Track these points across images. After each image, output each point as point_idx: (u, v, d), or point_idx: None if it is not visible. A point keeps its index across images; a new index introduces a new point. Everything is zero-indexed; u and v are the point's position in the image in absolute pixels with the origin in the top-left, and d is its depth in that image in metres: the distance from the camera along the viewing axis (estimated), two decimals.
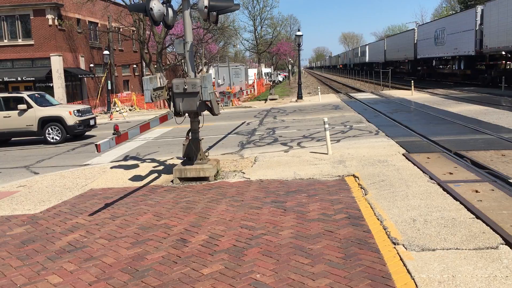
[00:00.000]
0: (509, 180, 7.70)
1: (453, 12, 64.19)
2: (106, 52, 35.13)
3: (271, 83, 37.94)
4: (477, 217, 6.03)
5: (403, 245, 5.33)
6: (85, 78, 38.45)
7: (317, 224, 6.29)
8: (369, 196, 7.44)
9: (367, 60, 74.62)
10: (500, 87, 28.14)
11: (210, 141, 14.80)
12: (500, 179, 7.83)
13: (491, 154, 9.91)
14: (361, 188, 7.99)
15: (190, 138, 9.72)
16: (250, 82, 53.84)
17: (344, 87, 48.14)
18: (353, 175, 8.92)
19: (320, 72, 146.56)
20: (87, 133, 19.64)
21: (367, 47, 75.99)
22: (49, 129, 17.88)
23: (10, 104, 18.13)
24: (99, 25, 41.49)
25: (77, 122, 18.10)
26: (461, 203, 6.65)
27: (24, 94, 18.41)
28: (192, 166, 9.51)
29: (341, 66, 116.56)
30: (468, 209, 6.35)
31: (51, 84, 34.21)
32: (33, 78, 34.03)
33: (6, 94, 18.93)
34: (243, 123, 19.65)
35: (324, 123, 11.46)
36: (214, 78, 39.11)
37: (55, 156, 14.86)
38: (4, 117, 17.77)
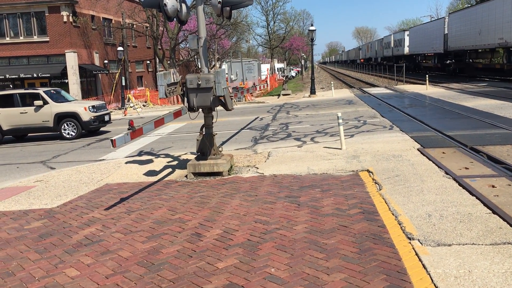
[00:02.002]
0: None
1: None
2: (120, 48, 35.38)
3: (284, 78, 37.84)
4: (494, 212, 5.97)
5: (419, 240, 5.30)
6: (99, 74, 38.78)
7: (331, 218, 6.28)
8: (383, 191, 7.40)
9: (406, 51, 58.05)
10: None
11: (224, 136, 14.83)
12: None
13: (508, 148, 9.79)
14: (376, 183, 7.96)
15: (203, 133, 9.76)
16: (263, 77, 53.83)
17: (357, 82, 47.86)
18: (367, 170, 8.88)
19: (333, 67, 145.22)
20: (102, 129, 19.83)
21: (405, 33, 58.79)
22: (65, 124, 18.09)
23: (26, 100, 18.38)
24: (113, 21, 41.77)
25: (92, 117, 18.28)
26: (477, 198, 6.58)
27: (40, 90, 18.64)
28: (206, 161, 9.55)
29: (362, 60, 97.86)
30: (485, 204, 6.29)
31: (66, 80, 34.59)
32: (48, 75, 34.45)
33: (23, 91, 19.18)
34: (256, 118, 19.65)
35: (337, 118, 11.41)
36: (227, 73, 39.17)
37: (71, 152, 15.03)
38: (21, 113, 18.02)
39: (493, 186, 7.08)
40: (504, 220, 5.68)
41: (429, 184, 7.51)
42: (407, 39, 56.96)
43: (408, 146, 10.85)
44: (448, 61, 43.14)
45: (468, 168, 8.31)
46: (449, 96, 23.15)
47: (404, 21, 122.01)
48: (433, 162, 8.95)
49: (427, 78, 30.43)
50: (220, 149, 9.99)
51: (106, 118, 19.33)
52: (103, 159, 12.93)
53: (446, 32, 42.72)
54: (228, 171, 9.59)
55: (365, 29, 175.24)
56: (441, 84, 31.70)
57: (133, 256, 5.54)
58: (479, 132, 12.11)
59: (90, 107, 18.47)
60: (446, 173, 8.06)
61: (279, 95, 33.55)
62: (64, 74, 34.53)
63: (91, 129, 18.62)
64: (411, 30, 58.67)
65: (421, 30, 52.08)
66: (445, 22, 43.30)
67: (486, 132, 12.10)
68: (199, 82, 8.94)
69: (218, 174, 9.48)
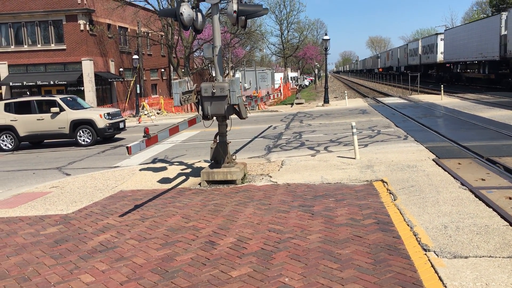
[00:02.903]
0: None
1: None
2: (135, 56, 35.77)
3: (297, 87, 37.88)
4: (511, 225, 5.88)
5: (434, 251, 5.25)
6: (114, 82, 39.21)
7: (345, 229, 6.25)
8: (398, 201, 7.35)
9: (439, 59, 48.09)
10: None
11: (237, 145, 14.87)
12: None
13: None
14: (390, 193, 7.90)
15: (217, 141, 9.80)
16: (277, 86, 53.89)
17: (371, 92, 47.67)
18: (382, 180, 8.82)
19: (347, 77, 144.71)
20: (116, 136, 20.01)
21: (439, 37, 48.78)
22: (80, 131, 18.29)
23: (43, 107, 18.64)
24: (128, 30, 42.28)
25: (107, 125, 18.46)
26: (494, 210, 6.49)
27: (57, 98, 18.89)
28: (219, 169, 9.58)
29: (380, 70, 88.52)
30: (502, 216, 6.20)
31: (82, 88, 35.02)
32: (65, 82, 34.94)
33: (40, 98, 19.45)
34: (269, 127, 19.67)
35: (351, 127, 11.37)
36: (240, 82, 39.30)
37: (86, 158, 15.18)
38: (38, 119, 18.27)
39: (510, 198, 6.98)
40: None
41: (444, 195, 7.43)
42: (441, 44, 47.24)
43: (423, 157, 10.76)
44: (508, 71, 33.25)
45: (484, 180, 8.22)
46: (464, 106, 22.95)
47: (418, 31, 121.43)
48: (449, 173, 8.86)
49: (442, 88, 30.20)
50: (233, 157, 10.01)
51: (121, 125, 19.50)
52: (118, 166, 13.04)
53: (504, 32, 33.01)
54: (242, 179, 9.60)
55: (379, 38, 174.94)
56: (456, 94, 31.44)
57: (147, 263, 5.57)
58: (495, 143, 11.97)
59: (105, 115, 18.66)
60: (462, 184, 7.98)
61: (292, 104, 33.57)
62: (80, 81, 34.98)
63: (106, 136, 18.79)
64: (448, 32, 48.82)
65: (463, 32, 42.73)
66: (501, 20, 33.23)
67: (502, 143, 11.96)
68: (213, 91, 8.99)
69: (232, 182, 9.50)
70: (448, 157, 10.55)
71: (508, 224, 5.93)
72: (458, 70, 45.97)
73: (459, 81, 45.31)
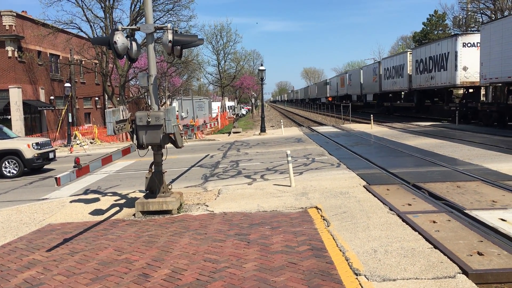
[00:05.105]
0: (464, 211, 7.99)
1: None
2: (67, 84, 34.63)
3: (234, 116, 38.28)
4: (435, 247, 6.21)
5: (365, 275, 5.42)
6: (45, 111, 37.62)
7: (280, 256, 6.31)
8: (331, 227, 7.54)
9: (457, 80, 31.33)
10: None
11: (174, 174, 14.68)
12: (456, 210, 8.12)
13: (447, 185, 10.28)
14: (324, 219, 8.10)
15: (153, 171, 9.65)
16: (214, 115, 54.09)
17: (306, 121, 49.02)
18: (316, 207, 9.03)
19: (283, 106, 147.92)
20: (46, 167, 19.10)
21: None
22: (6, 162, 17.29)
23: None
24: (60, 57, 41.00)
25: (36, 155, 17.61)
26: (419, 233, 6.84)
27: None
28: (155, 199, 9.40)
29: (330, 99, 74.98)
30: (427, 239, 6.54)
31: (9, 117, 33.26)
32: None
33: None
34: (206, 156, 19.62)
35: (287, 155, 11.62)
36: (177, 111, 39.09)
37: (12, 191, 14.34)
38: None
39: (434, 222, 7.39)
40: (444, 254, 5.92)
41: (374, 220, 7.73)
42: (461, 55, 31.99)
43: (354, 183, 11.16)
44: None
45: (411, 205, 8.65)
46: (393, 135, 24.16)
47: (349, 63, 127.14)
48: (378, 199, 9.25)
49: (372, 118, 31.69)
50: (169, 187, 9.88)
51: (51, 155, 18.67)
52: (46, 198, 12.42)
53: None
54: (178, 209, 9.47)
55: (313, 69, 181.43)
56: (385, 124, 33.05)
57: None
58: (420, 170, 12.66)
59: (34, 144, 17.82)
60: (391, 209, 8.34)
61: (229, 133, 33.76)
62: (7, 110, 33.23)
63: (34, 167, 17.89)
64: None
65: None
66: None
67: (427, 169, 12.67)
68: (149, 120, 8.91)
69: (168, 212, 9.34)
70: (378, 183, 11.02)
71: (432, 246, 6.26)
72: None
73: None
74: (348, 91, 63.38)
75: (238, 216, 8.75)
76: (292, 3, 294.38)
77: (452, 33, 43.67)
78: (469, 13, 47.36)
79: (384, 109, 47.57)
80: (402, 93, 44.45)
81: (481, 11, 45.89)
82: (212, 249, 6.83)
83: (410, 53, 40.63)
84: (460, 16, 49.78)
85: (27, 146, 17.53)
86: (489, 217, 7.50)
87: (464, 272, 5.34)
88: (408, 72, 39.94)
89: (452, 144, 18.22)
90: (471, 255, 5.83)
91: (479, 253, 5.88)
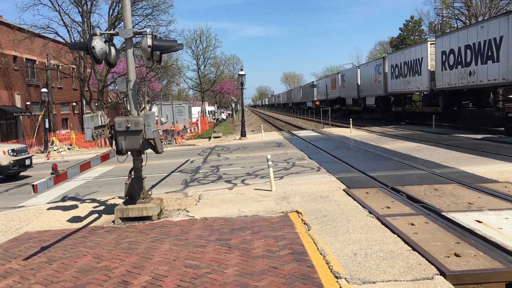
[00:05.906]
0: (441, 213, 8.13)
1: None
2: (44, 89, 34.09)
3: (214, 121, 38.18)
4: (414, 249, 6.30)
5: (345, 278, 5.46)
6: (20, 116, 36.96)
7: (261, 260, 6.32)
8: (312, 231, 7.59)
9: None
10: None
11: (154, 180, 14.57)
12: (433, 212, 8.25)
13: (424, 188, 10.44)
14: (304, 223, 8.14)
15: (132, 176, 9.56)
16: (194, 120, 53.92)
17: (286, 125, 49.21)
18: (297, 211, 9.08)
19: (263, 110, 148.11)
20: (22, 174, 18.73)
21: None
22: None
23: None
24: (37, 62, 40.39)
25: (12, 162, 17.27)
26: (398, 236, 6.93)
27: None
28: (134, 205, 9.31)
29: (318, 103, 67.84)
30: (405, 242, 6.63)
31: None
32: None
33: None
34: (187, 161, 19.53)
35: (267, 160, 11.65)
36: (157, 116, 38.81)
37: None
38: None
39: (412, 224, 7.50)
40: (423, 256, 6.01)
41: (354, 223, 7.80)
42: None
43: (334, 187, 11.25)
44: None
45: (389, 208, 8.76)
46: (371, 138, 24.43)
47: (328, 68, 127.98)
48: (358, 202, 9.34)
49: (351, 122, 32.01)
50: (149, 192, 9.80)
51: (27, 162, 18.33)
52: (23, 206, 12.19)
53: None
54: (158, 215, 9.40)
55: (292, 74, 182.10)
56: (364, 128, 33.41)
57: None
58: (399, 173, 12.84)
59: (10, 151, 17.47)
60: (370, 213, 8.44)
61: (210, 138, 33.67)
62: None
63: (10, 174, 17.54)
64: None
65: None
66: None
67: (405, 172, 12.86)
68: (128, 125, 8.84)
69: (147, 218, 9.27)
70: (357, 187, 11.13)
71: (411, 249, 6.35)
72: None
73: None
74: (340, 94, 55.18)
75: (219, 221, 8.73)
76: (273, 8, 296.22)
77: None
78: (444, 18, 48.39)
79: (392, 114, 38.89)
80: (417, 94, 37.64)
81: (456, 17, 46.97)
82: (193, 255, 6.80)
83: (431, 43, 31.48)
84: (436, 22, 50.80)
85: (2, 153, 17.18)
86: (466, 219, 7.65)
87: (442, 273, 5.43)
88: (429, 68, 31.34)
89: (429, 148, 18.51)
90: (448, 257, 5.93)
91: (456, 255, 5.99)
